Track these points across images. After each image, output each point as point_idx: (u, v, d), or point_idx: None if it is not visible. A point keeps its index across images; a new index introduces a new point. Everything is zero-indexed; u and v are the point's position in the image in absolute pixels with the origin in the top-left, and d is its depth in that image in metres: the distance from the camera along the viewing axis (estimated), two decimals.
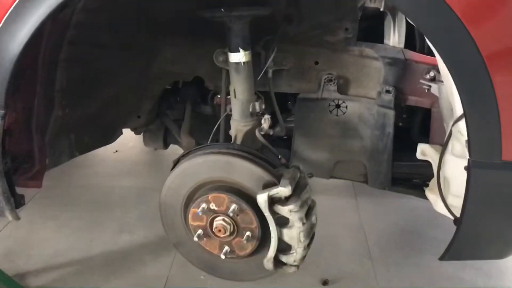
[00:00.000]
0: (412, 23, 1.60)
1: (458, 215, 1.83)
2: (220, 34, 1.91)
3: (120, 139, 2.72)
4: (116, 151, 4.06)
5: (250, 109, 1.96)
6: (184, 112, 2.53)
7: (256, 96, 2.02)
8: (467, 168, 1.52)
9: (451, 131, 1.78)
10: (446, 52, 1.40)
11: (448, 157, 1.85)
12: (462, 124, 1.64)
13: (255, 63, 1.99)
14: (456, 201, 1.86)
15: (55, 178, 3.32)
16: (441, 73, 1.70)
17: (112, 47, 2.08)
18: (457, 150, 1.76)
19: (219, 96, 2.35)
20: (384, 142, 2.20)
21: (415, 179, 2.37)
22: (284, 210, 1.69)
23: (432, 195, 2.08)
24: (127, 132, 2.78)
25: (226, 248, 1.83)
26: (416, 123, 2.36)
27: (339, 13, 1.96)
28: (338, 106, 2.21)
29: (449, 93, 1.72)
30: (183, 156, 1.87)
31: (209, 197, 1.78)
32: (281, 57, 2.12)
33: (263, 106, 2.00)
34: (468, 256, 1.79)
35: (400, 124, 2.35)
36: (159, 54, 2.28)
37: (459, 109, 1.65)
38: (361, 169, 2.33)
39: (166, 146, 2.71)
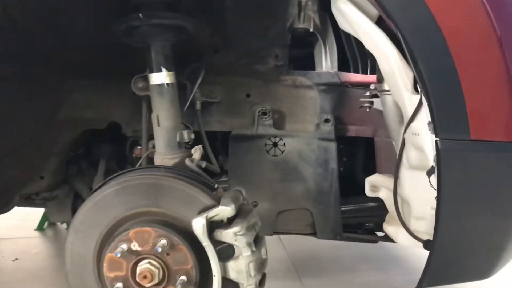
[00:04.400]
0: None
1: (425, 239, 1.61)
2: (137, 71, 1.70)
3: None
4: (16, 259, 3.43)
5: (178, 139, 1.68)
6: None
7: (184, 126, 1.76)
8: (436, 151, 1.32)
9: (403, 140, 1.61)
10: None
11: (404, 172, 1.67)
12: (416, 124, 1.50)
13: (181, 95, 1.78)
14: (421, 224, 1.65)
15: None
16: (385, 75, 1.57)
17: (12, 81, 1.76)
18: (414, 159, 1.58)
19: (139, 148, 2.05)
20: (329, 181, 2.01)
21: (367, 223, 2.13)
22: (227, 235, 1.35)
23: (391, 227, 1.85)
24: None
25: None
26: (358, 164, 2.20)
27: (267, 38, 1.85)
28: (275, 145, 2.02)
29: (396, 96, 1.58)
30: (97, 189, 1.50)
31: (130, 233, 1.40)
32: (209, 90, 1.93)
33: (193, 136, 1.73)
34: (449, 277, 1.50)
35: (341, 169, 2.17)
36: (68, 97, 1.99)
37: (410, 109, 1.51)
38: (307, 217, 2.08)
39: None
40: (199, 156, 1.69)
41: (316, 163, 2.00)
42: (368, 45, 1.57)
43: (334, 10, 1.62)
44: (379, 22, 1.57)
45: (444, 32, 1.25)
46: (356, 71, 2.03)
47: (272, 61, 1.93)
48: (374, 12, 1.56)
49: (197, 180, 1.49)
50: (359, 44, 2.03)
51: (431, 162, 1.46)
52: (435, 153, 1.41)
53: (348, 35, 2.00)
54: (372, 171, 2.09)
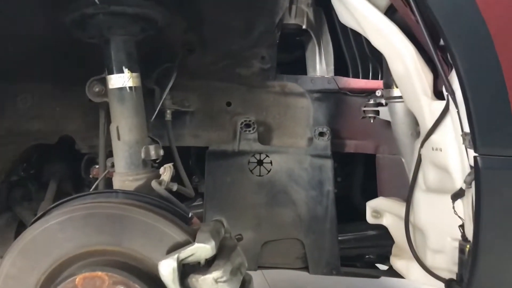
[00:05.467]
0: None
1: (445, 276, 1.33)
2: (93, 72, 1.40)
3: None
4: None
5: (142, 156, 1.36)
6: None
7: (150, 140, 1.44)
8: (474, 170, 1.04)
9: (419, 156, 1.34)
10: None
11: (418, 195, 1.40)
12: (438, 137, 1.23)
13: (147, 102, 1.47)
14: (439, 258, 1.39)
15: None
16: (397, 78, 1.30)
17: None
18: (433, 180, 1.32)
19: (97, 167, 1.72)
20: (324, 205, 1.76)
21: (368, 255, 1.85)
22: (206, 282, 1.03)
23: (400, 261, 1.57)
24: None
25: None
26: (355, 185, 1.93)
27: (252, 36, 1.57)
28: (260, 163, 1.74)
29: (412, 103, 1.31)
30: (35, 220, 1.16)
31: (77, 280, 1.06)
32: (182, 96, 1.64)
33: (161, 152, 1.41)
34: None
35: (336, 191, 1.89)
36: (10, 105, 1.66)
37: (429, 118, 1.24)
38: (297, 249, 1.81)
39: None
40: (169, 176, 1.37)
41: (309, 184, 1.74)
42: (377, 41, 1.31)
43: (334, 0, 1.36)
44: (389, 14, 1.32)
45: (486, 19, 0.98)
46: (356, 76, 1.77)
47: (257, 63, 1.67)
48: (383, 2, 1.30)
49: (165, 208, 1.17)
50: (359, 44, 1.78)
51: (457, 183, 1.19)
52: (464, 172, 1.15)
53: (346, 33, 1.75)
54: (370, 193, 1.82)
